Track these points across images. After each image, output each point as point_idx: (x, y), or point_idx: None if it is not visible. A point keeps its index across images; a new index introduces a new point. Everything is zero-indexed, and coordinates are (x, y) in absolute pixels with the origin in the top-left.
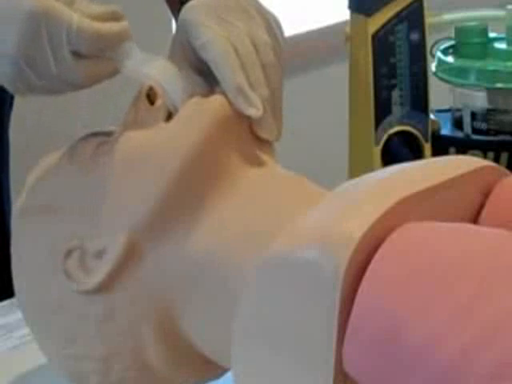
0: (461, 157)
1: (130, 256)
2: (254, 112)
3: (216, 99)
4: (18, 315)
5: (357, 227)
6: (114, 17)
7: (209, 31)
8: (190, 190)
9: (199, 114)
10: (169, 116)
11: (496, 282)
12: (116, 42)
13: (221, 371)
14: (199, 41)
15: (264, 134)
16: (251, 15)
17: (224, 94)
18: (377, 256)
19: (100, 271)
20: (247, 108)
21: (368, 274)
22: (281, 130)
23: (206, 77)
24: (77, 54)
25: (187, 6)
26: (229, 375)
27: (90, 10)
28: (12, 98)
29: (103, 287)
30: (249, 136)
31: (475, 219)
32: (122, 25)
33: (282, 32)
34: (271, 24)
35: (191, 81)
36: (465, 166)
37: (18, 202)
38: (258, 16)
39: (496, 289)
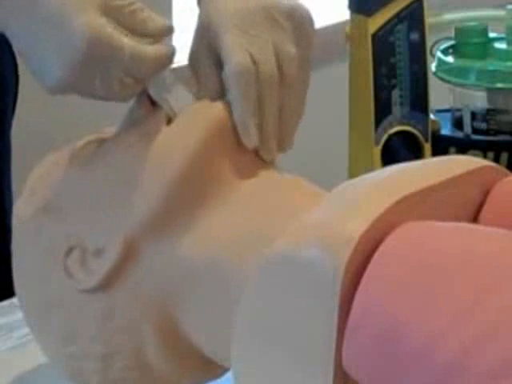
0: (461, 157)
1: (130, 255)
2: (248, 142)
3: (217, 105)
4: (18, 315)
5: (357, 227)
6: (166, 33)
7: (231, 42)
8: (190, 190)
9: (199, 117)
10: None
11: (496, 282)
12: (167, 65)
13: (221, 371)
14: (220, 49)
15: (262, 153)
16: (280, 25)
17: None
18: (376, 256)
19: (100, 270)
20: (245, 138)
21: (368, 273)
22: (292, 143)
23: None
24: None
25: (213, 6)
26: (229, 375)
27: (143, 27)
28: (14, 103)
29: (103, 286)
30: None
31: (475, 219)
32: (171, 46)
33: (314, 32)
34: (303, 31)
35: (210, 79)
36: (465, 165)
37: (19, 202)
38: (289, 24)
39: (496, 288)
